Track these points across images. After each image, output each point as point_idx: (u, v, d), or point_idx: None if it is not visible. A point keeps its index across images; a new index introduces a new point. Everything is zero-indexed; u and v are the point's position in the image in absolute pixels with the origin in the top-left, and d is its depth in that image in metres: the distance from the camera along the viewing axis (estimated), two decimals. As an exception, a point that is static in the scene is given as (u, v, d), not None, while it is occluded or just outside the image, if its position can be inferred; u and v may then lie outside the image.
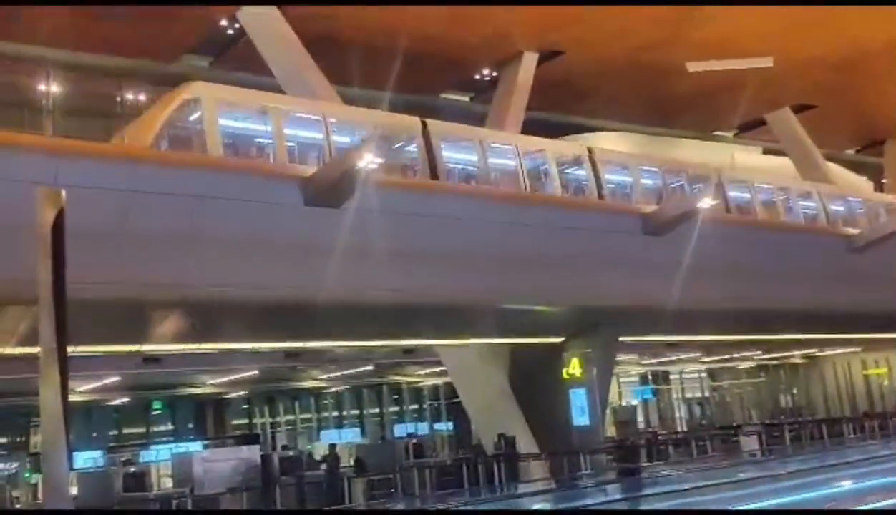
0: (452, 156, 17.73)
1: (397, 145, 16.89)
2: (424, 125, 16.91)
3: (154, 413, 31.61)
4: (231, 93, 15.33)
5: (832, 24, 20.26)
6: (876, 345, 39.53)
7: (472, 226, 16.37)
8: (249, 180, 14.27)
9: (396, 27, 17.96)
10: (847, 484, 14.95)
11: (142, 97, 20.17)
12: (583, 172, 19.57)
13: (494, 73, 21.44)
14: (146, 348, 17.70)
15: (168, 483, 22.14)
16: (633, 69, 21.60)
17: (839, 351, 41.17)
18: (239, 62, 18.71)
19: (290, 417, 34.10)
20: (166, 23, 17.37)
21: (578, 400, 20.12)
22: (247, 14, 17.49)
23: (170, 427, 31.94)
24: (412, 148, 17.00)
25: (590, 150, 19.80)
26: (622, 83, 22.54)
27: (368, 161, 13.51)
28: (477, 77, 21.89)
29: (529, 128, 20.51)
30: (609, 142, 24.76)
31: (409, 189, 16.38)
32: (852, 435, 30.18)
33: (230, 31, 18.32)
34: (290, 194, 14.28)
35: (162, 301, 13.63)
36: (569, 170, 19.70)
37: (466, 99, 23.03)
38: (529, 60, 20.75)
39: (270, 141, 15.38)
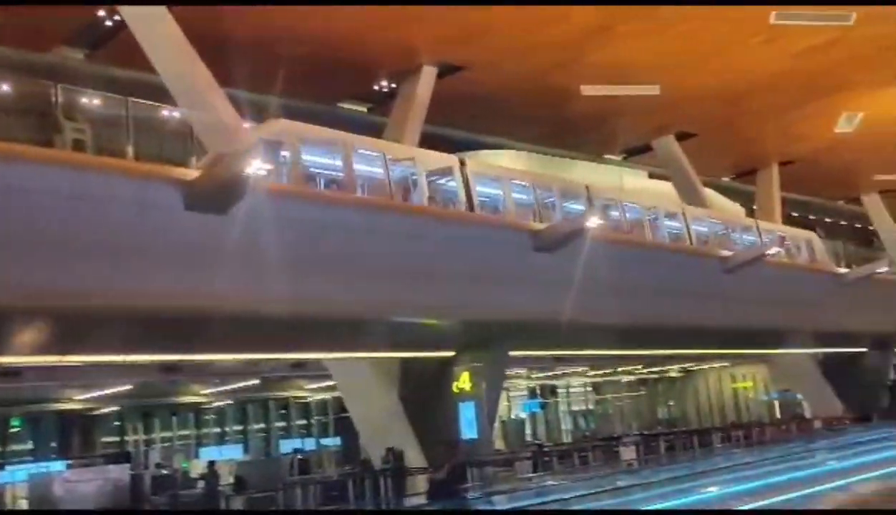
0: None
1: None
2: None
3: (12, 430, 29.10)
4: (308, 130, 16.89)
5: (718, 59, 21.24)
6: (743, 360, 41.72)
7: (363, 237, 16.42)
8: (123, 181, 13.62)
9: (293, 32, 17.80)
10: (713, 490, 15.69)
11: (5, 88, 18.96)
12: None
13: (393, 85, 21.41)
14: (2, 360, 15.85)
15: (24, 506, 20.40)
16: (532, 89, 22.08)
17: (711, 365, 43.21)
18: (118, 56, 17.75)
19: (168, 433, 32.70)
20: (38, 10, 15.82)
21: (468, 413, 20.42)
22: (128, 9, 15.98)
23: (30, 445, 29.41)
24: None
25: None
26: (520, 102, 22.95)
27: (258, 167, 13.29)
28: (375, 88, 21.79)
29: (428, 142, 20.76)
30: (506, 160, 25.33)
31: (298, 197, 16.22)
32: (720, 444, 31.66)
33: (109, 23, 17.03)
34: (170, 197, 13.63)
35: (20, 308, 12.46)
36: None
37: (364, 109, 22.99)
38: (429, 74, 20.77)
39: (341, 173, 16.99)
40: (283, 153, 15.32)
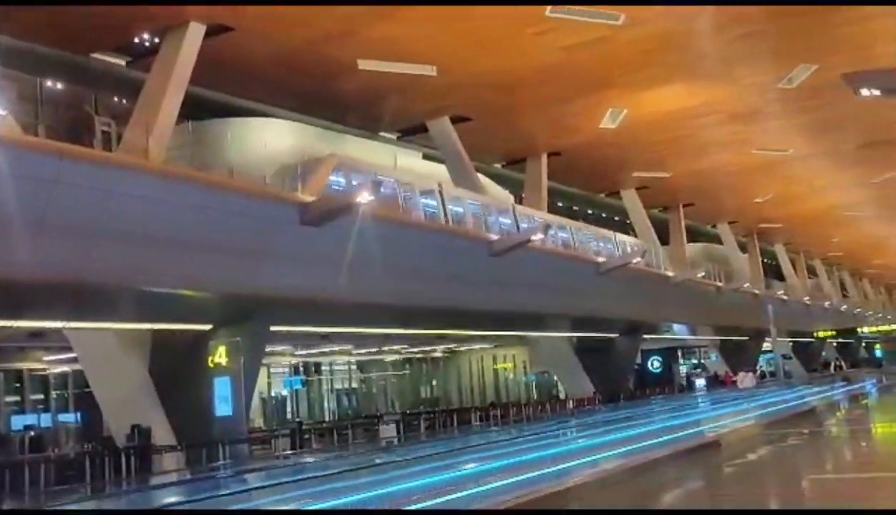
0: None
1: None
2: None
3: None
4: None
5: (494, 47, 21.36)
6: (505, 342, 43.28)
7: (111, 199, 15.04)
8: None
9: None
10: (469, 466, 15.87)
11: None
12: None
13: (156, 40, 19.77)
14: None
15: None
16: (305, 59, 21.31)
17: (475, 346, 44.48)
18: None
19: None
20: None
21: (223, 389, 19.55)
22: None
23: None
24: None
25: None
26: (292, 71, 22.08)
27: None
28: (136, 41, 20.10)
29: (193, 105, 19.47)
30: (274, 130, 24.39)
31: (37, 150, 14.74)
32: (479, 423, 32.61)
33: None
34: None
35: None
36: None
37: (122, 63, 21.23)
38: (196, 32, 19.24)
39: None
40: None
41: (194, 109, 20.08)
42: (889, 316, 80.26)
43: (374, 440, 26.95)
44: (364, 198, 18.87)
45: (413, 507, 10.33)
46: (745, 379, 44.26)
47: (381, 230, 20.06)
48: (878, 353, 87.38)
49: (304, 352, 36.31)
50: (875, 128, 29.36)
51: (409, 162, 28.21)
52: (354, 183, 20.45)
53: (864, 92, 18.17)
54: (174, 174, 17.00)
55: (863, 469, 14.19)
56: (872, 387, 38.38)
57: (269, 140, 23.41)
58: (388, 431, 27.17)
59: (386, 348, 39.52)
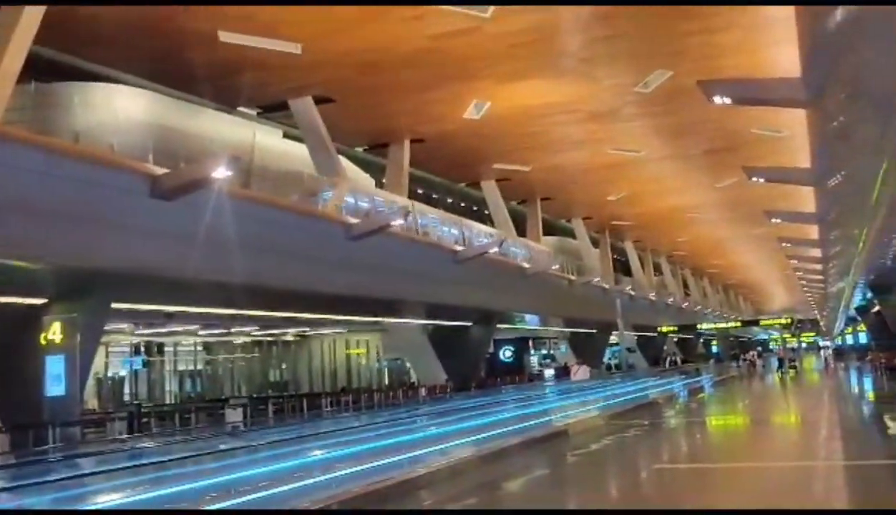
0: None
1: None
2: None
3: None
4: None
5: (362, 28, 20.96)
6: (359, 327, 43.01)
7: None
8: None
9: None
10: (318, 453, 15.58)
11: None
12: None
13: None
14: None
15: None
16: (162, 25, 20.29)
17: (328, 331, 43.97)
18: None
19: None
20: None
21: (55, 368, 18.42)
22: None
23: None
24: None
25: None
26: (147, 37, 21.01)
27: None
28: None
29: (41, 67, 18.12)
30: (124, 97, 23.18)
31: None
32: (330, 409, 32.28)
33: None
34: None
35: None
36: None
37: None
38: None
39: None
40: None
41: (42, 71, 18.70)
42: (725, 315, 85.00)
43: (220, 424, 26.20)
44: (220, 173, 18.20)
45: (258, 495, 9.97)
46: (579, 372, 43.79)
47: (236, 207, 19.47)
48: (715, 349, 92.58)
49: (146, 331, 34.86)
50: (720, 136, 30.80)
51: (269, 140, 27.46)
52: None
53: (717, 99, 18.93)
54: (10, 136, 15.79)
55: (696, 460, 14.90)
56: (708, 382, 40.39)
57: (119, 107, 22.26)
58: (234, 415, 26.42)
59: (235, 329, 38.47)
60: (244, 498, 9.76)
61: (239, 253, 19.59)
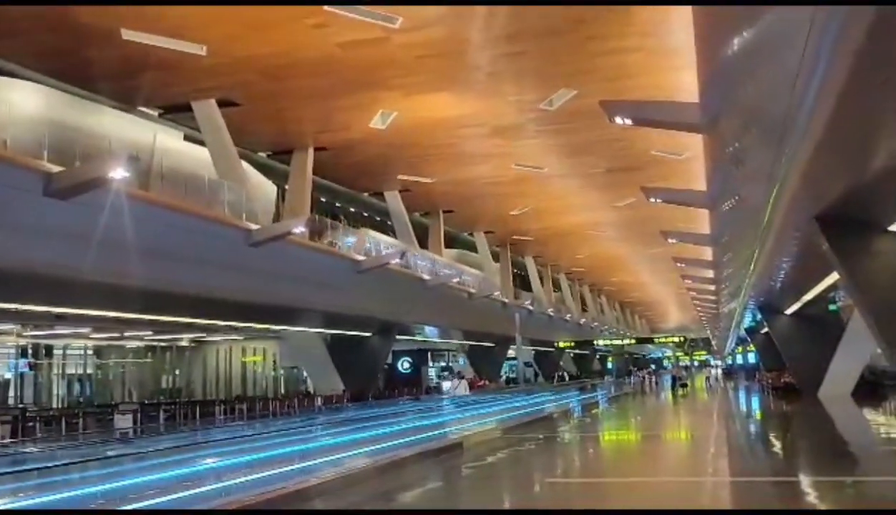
0: None
1: None
2: None
3: None
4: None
5: (268, 33, 20.70)
6: (256, 335, 42.37)
7: None
8: None
9: None
10: (209, 461, 15.22)
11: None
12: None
13: None
14: None
15: None
16: (60, 19, 19.64)
17: (223, 337, 43.16)
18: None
19: None
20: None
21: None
22: None
23: None
24: None
25: None
26: (44, 31, 20.29)
27: None
28: None
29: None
30: (21, 92, 22.24)
31: None
32: (223, 416, 31.66)
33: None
34: None
35: None
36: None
37: None
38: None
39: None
40: None
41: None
42: (621, 332, 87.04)
43: (108, 430, 25.36)
44: (117, 173, 17.70)
45: (146, 503, 9.67)
46: (459, 387, 41.58)
47: (133, 209, 18.95)
48: (610, 366, 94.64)
49: (33, 333, 33.51)
50: (621, 156, 31.58)
51: (169, 142, 26.77)
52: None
53: (618, 119, 19.38)
54: None
55: (588, 474, 15.18)
56: (603, 397, 41.24)
57: (14, 101, 21.36)
58: (123, 421, 25.63)
59: (128, 333, 37.35)
60: (131, 507, 9.45)
61: (135, 255, 19.08)
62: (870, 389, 33.51)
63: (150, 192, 22.16)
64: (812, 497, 11.54)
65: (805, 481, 13.22)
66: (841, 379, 32.88)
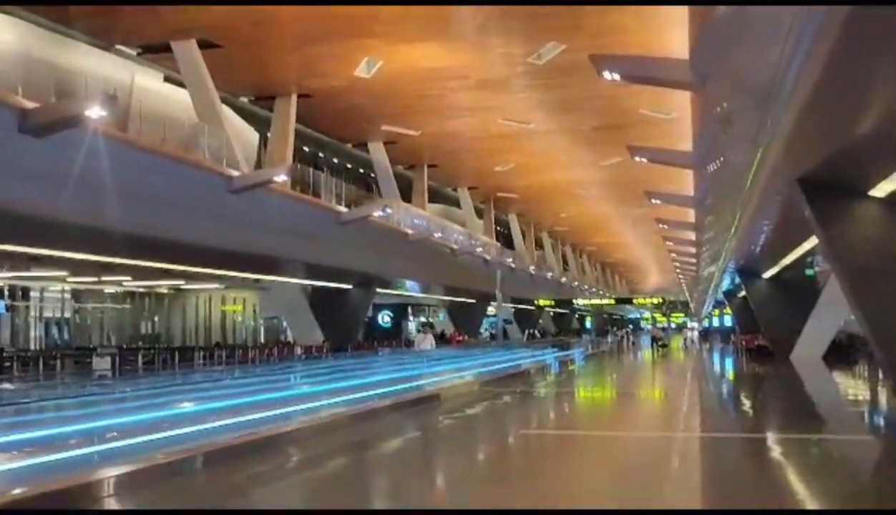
0: None
1: None
2: None
3: None
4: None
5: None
6: (236, 284, 42.23)
7: None
8: None
9: None
10: (187, 405, 15.15)
11: None
12: None
13: None
14: None
15: None
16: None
17: (204, 286, 43.00)
18: None
19: None
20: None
21: None
22: None
23: None
24: None
25: None
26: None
27: None
28: None
29: None
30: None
31: None
32: (202, 363, 31.68)
33: None
34: None
35: None
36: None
37: None
38: None
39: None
40: None
41: None
42: (601, 292, 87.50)
43: (86, 373, 25.31)
44: (94, 112, 17.40)
45: (121, 443, 9.60)
46: (424, 342, 42.18)
47: (111, 149, 18.68)
48: (589, 325, 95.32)
49: (9, 275, 33.23)
50: (609, 114, 31.43)
51: (149, 82, 26.33)
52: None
53: (607, 74, 19.20)
54: None
55: (561, 427, 15.31)
56: (580, 355, 41.49)
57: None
58: (101, 364, 25.57)
59: (106, 278, 37.09)
60: (106, 446, 9.40)
61: (112, 197, 18.83)
62: (841, 353, 33.89)
63: (128, 134, 21.82)
64: (777, 454, 11.68)
65: (772, 437, 13.37)
66: (813, 343, 33.19)
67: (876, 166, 13.75)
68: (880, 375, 19.85)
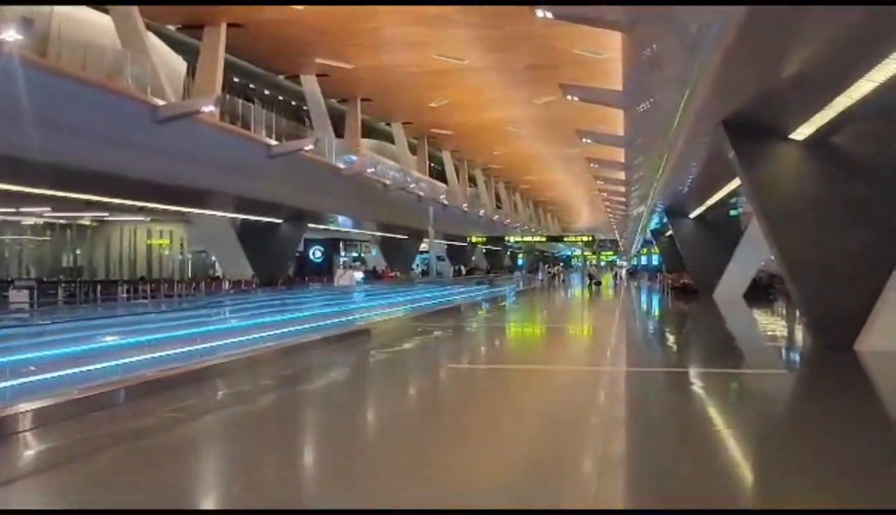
0: None
1: None
2: None
3: None
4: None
5: None
6: (163, 217, 41.42)
7: None
8: None
9: None
10: (110, 339, 14.94)
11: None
12: None
13: None
14: None
15: None
16: None
17: (128, 218, 42.05)
18: None
19: None
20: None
21: None
22: None
23: None
24: None
25: None
26: None
27: None
28: None
29: None
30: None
31: None
32: (126, 297, 31.18)
33: None
34: None
35: None
36: None
37: None
38: None
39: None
40: None
41: None
42: (533, 229, 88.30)
43: (2, 307, 24.66)
44: (9, 35, 16.69)
45: (41, 377, 9.43)
46: (344, 277, 42.27)
47: (28, 75, 17.96)
48: (521, 262, 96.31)
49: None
50: (543, 53, 31.36)
51: (69, 7, 25.27)
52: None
53: (540, 13, 19.14)
54: None
55: (490, 361, 15.59)
56: (511, 291, 41.99)
57: None
58: (19, 297, 24.89)
59: (25, 209, 35.96)
60: (25, 380, 9.23)
61: (31, 125, 18.15)
62: (761, 292, 35.02)
63: (46, 59, 20.99)
64: (698, 387, 12.08)
65: (693, 371, 13.81)
66: (735, 282, 34.18)
67: (797, 110, 14.04)
68: (796, 313, 20.56)
